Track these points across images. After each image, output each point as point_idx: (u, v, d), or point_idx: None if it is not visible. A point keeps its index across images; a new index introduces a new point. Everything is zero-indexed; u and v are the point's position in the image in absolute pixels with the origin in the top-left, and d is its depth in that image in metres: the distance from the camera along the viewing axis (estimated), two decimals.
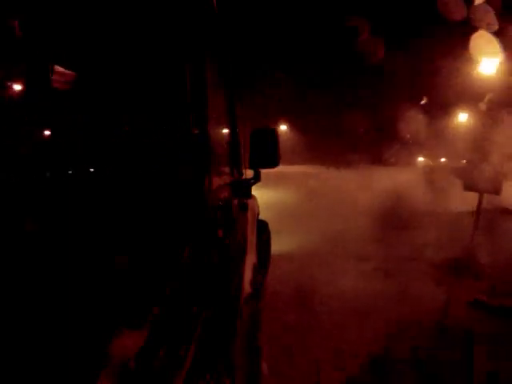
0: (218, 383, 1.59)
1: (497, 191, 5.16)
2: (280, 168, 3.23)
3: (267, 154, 3.17)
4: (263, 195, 5.57)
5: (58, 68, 1.12)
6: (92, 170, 1.13)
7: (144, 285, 1.00)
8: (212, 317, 1.53)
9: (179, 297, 1.16)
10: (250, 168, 3.28)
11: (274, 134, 3.19)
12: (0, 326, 0.81)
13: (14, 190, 1.01)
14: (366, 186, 13.34)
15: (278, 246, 5.48)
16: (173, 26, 1.30)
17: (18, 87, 1.13)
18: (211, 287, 1.57)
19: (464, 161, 8.52)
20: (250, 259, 3.35)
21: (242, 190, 3.09)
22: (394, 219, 8.48)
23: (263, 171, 3.20)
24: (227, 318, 1.98)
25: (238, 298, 2.52)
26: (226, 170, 2.70)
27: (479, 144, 5.75)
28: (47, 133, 1.14)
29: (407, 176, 14.85)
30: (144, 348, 0.90)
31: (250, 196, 3.65)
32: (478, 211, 5.35)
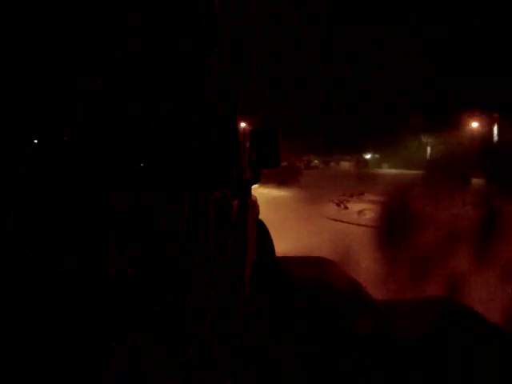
0: (219, 383, 1.59)
1: None
2: None
3: (268, 154, 3.16)
4: None
5: None
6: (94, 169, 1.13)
7: (146, 285, 1.00)
8: (213, 317, 1.53)
9: (180, 297, 1.16)
10: (250, 168, 3.27)
11: (274, 134, 3.18)
12: (2, 325, 0.81)
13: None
14: None
15: None
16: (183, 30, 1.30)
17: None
18: (212, 287, 1.57)
19: None
20: (250, 259, 3.35)
21: (242, 190, 3.09)
22: None
23: None
24: (228, 317, 1.98)
25: (239, 297, 2.52)
26: (226, 169, 2.70)
27: None
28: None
29: None
30: (145, 348, 0.90)
31: (250, 196, 3.64)
32: None
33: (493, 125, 26.05)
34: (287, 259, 5.52)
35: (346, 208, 11.85)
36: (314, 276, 5.07)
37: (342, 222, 9.77)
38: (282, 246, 5.32)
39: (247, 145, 3.16)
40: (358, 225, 9.24)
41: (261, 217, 4.59)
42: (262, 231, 4.64)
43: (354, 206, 11.82)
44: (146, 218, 1.10)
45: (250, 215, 3.57)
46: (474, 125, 26.48)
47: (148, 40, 1.18)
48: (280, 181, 17.74)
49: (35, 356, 0.76)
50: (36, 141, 1.10)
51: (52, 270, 0.96)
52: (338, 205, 12.31)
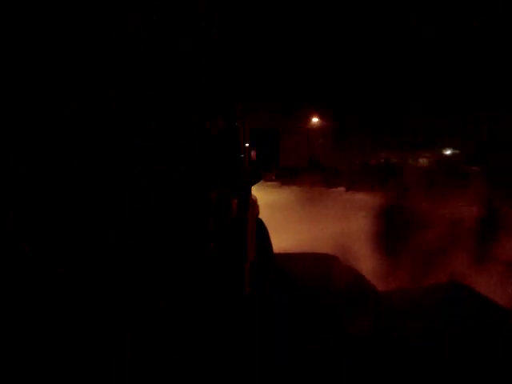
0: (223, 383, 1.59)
1: None
2: None
3: (267, 153, 3.16)
4: None
5: None
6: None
7: (146, 284, 1.00)
8: (214, 316, 1.53)
9: (180, 296, 1.16)
10: (250, 168, 3.27)
11: (273, 134, 3.18)
12: (2, 324, 0.81)
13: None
14: None
15: None
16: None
17: None
18: (213, 287, 1.57)
19: None
20: (250, 258, 3.35)
21: (242, 189, 3.09)
22: None
23: None
24: (228, 316, 1.98)
25: (239, 296, 2.52)
26: (226, 169, 2.70)
27: None
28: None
29: None
30: (148, 347, 0.90)
31: (250, 196, 3.64)
32: None
33: None
34: (288, 256, 5.40)
35: None
36: (315, 274, 5.02)
37: None
38: None
39: (247, 145, 3.16)
40: None
41: None
42: (262, 230, 4.64)
43: None
44: (145, 218, 1.10)
45: (250, 214, 3.57)
46: None
47: (148, 40, 1.18)
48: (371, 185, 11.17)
49: (36, 354, 0.76)
50: (36, 141, 1.10)
51: (52, 269, 0.96)
52: None
